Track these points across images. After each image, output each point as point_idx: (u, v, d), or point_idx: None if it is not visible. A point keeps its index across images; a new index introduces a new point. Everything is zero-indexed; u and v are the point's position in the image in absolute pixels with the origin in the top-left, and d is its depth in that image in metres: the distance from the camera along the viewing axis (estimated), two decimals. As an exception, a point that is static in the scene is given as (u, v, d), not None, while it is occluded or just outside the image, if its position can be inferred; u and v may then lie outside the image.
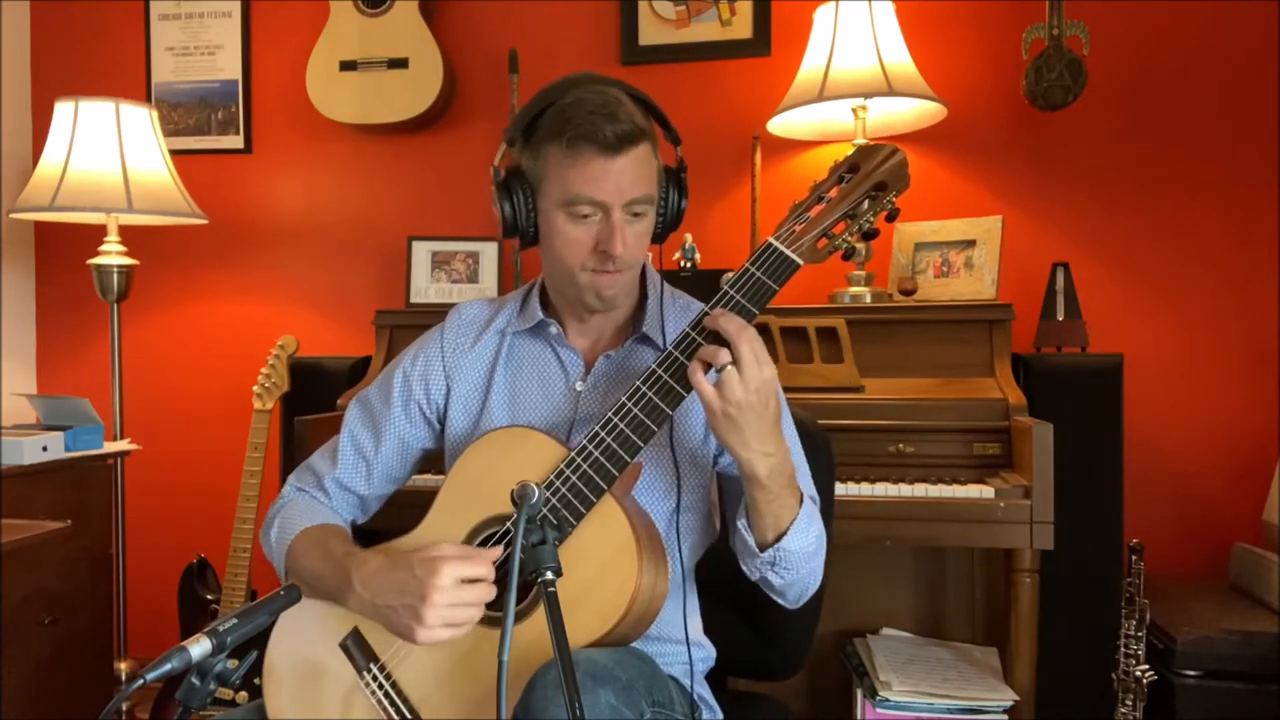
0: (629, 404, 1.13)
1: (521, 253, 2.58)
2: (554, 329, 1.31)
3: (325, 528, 1.28)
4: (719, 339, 1.09)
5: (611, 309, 1.29)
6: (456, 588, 1.07)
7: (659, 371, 1.13)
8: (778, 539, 1.15)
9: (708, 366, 1.09)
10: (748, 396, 1.07)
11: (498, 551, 1.13)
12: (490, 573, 1.09)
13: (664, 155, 1.27)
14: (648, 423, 1.12)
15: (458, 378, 1.34)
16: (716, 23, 2.62)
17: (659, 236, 1.28)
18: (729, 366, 1.07)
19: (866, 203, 1.15)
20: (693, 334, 1.13)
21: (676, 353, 1.13)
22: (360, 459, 1.35)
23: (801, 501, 1.16)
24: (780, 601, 1.24)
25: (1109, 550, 2.01)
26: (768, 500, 1.13)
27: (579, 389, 1.29)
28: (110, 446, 2.50)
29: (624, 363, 1.29)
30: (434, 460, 1.42)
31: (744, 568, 1.22)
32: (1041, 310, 2.26)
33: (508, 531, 1.17)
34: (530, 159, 1.23)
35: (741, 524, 1.18)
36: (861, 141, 2.25)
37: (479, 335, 1.35)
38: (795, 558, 1.16)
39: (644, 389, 1.13)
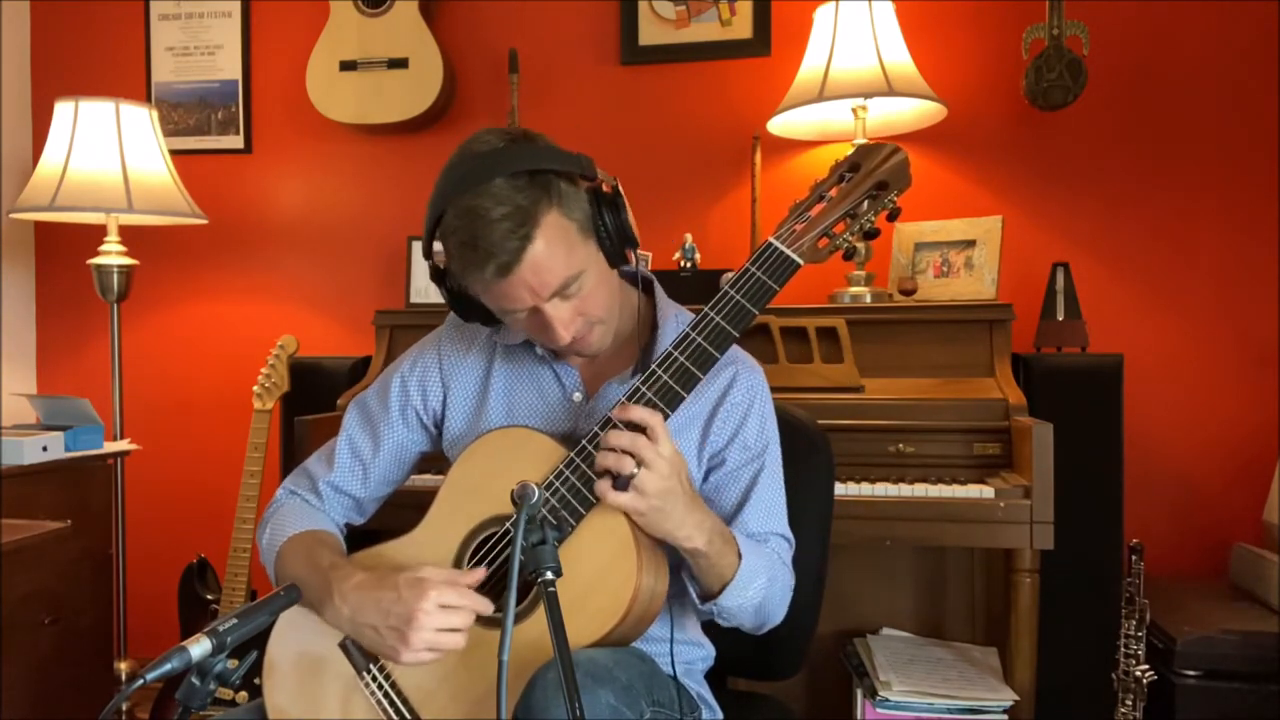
0: (630, 404, 1.13)
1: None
2: (540, 350, 1.30)
3: (313, 534, 1.28)
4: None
5: (599, 354, 1.27)
6: (441, 613, 1.08)
7: (659, 372, 1.13)
8: (721, 590, 1.17)
9: (614, 476, 1.09)
10: (665, 483, 1.08)
11: (482, 573, 1.13)
12: (475, 604, 1.09)
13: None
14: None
15: (454, 383, 1.34)
16: (716, 23, 2.62)
17: (615, 259, 1.20)
18: (639, 469, 1.07)
19: (867, 202, 1.15)
20: (693, 334, 1.13)
21: (676, 353, 1.13)
22: (357, 463, 1.35)
23: (740, 557, 1.17)
24: (741, 630, 1.26)
25: (1109, 550, 2.01)
26: (709, 564, 1.16)
27: (577, 399, 1.28)
28: (110, 446, 2.50)
29: None
30: (434, 460, 1.41)
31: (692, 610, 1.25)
32: (1041, 310, 2.26)
33: (507, 531, 1.17)
34: (450, 266, 1.18)
35: (685, 575, 1.21)
36: (862, 141, 2.25)
37: (473, 341, 1.35)
38: (733, 612, 1.19)
39: (644, 390, 1.13)
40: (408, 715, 1.15)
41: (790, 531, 1.30)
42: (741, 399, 1.27)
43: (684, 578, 1.20)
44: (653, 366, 1.14)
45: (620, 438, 1.07)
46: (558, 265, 1.13)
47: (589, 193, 1.16)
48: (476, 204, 1.09)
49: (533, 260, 1.10)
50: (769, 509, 1.27)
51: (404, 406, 1.35)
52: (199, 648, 0.90)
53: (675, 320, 1.31)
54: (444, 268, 1.20)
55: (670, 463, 1.08)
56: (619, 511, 1.12)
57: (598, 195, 1.16)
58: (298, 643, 1.25)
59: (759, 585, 1.18)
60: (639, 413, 1.09)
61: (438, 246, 1.17)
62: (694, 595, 1.20)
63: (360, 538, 1.33)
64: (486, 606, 1.10)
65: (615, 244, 1.18)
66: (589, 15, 2.70)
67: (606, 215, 1.16)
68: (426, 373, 1.35)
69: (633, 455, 1.07)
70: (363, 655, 1.19)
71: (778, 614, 1.26)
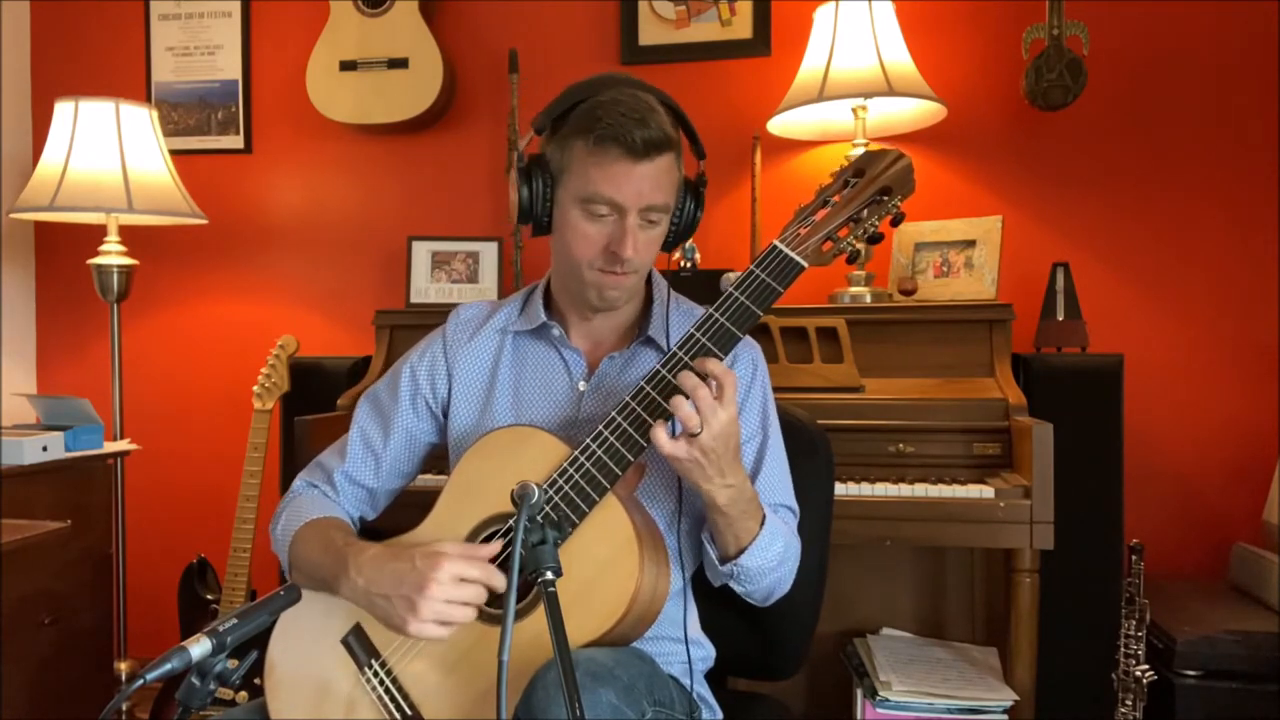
0: (633, 403, 1.14)
1: (523, 248, 2.57)
2: (556, 331, 1.32)
3: (329, 520, 1.29)
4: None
5: (612, 309, 1.30)
6: (454, 584, 1.08)
7: (663, 371, 1.14)
8: (738, 554, 1.19)
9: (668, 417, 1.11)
10: (714, 443, 1.10)
11: (496, 547, 1.13)
12: (489, 577, 1.10)
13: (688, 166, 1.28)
14: (651, 422, 1.12)
15: (458, 372, 1.36)
16: (716, 23, 2.62)
17: (669, 245, 1.29)
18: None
19: (871, 207, 1.16)
20: (697, 334, 1.14)
21: (681, 352, 1.14)
22: (369, 453, 1.37)
23: (764, 522, 1.19)
24: (749, 600, 1.28)
25: (1109, 550, 2.01)
26: (727, 523, 1.17)
27: (582, 389, 1.30)
28: (110, 446, 2.50)
29: (628, 365, 1.30)
30: (439, 460, 1.42)
31: (708, 574, 1.26)
32: (1041, 310, 2.26)
33: (509, 530, 1.17)
34: (555, 149, 1.24)
35: (705, 537, 1.23)
36: (861, 141, 2.26)
37: (475, 332, 1.38)
38: (753, 573, 1.21)
39: (648, 389, 1.14)
40: (409, 712, 1.16)
41: (796, 503, 1.32)
42: (744, 373, 1.31)
43: (704, 539, 1.23)
44: (656, 367, 1.14)
45: (689, 379, 1.09)
46: (666, 185, 1.22)
47: (685, 179, 1.27)
48: (642, 95, 1.20)
49: (665, 162, 1.20)
50: (777, 481, 1.30)
51: (414, 395, 1.37)
52: (199, 648, 0.90)
53: (676, 303, 1.34)
54: (544, 154, 1.25)
55: (724, 425, 1.10)
56: (622, 509, 1.12)
57: (692, 185, 1.29)
58: (299, 642, 1.25)
59: (778, 549, 1.21)
60: (715, 366, 1.10)
61: (546, 155, 1.25)
62: (713, 556, 1.22)
63: (367, 537, 1.33)
64: (501, 581, 1.10)
65: (681, 228, 1.29)
66: (589, 15, 2.70)
67: (689, 202, 1.28)
68: (434, 362, 1.38)
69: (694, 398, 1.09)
70: (365, 651, 1.19)
71: (786, 582, 1.28)
